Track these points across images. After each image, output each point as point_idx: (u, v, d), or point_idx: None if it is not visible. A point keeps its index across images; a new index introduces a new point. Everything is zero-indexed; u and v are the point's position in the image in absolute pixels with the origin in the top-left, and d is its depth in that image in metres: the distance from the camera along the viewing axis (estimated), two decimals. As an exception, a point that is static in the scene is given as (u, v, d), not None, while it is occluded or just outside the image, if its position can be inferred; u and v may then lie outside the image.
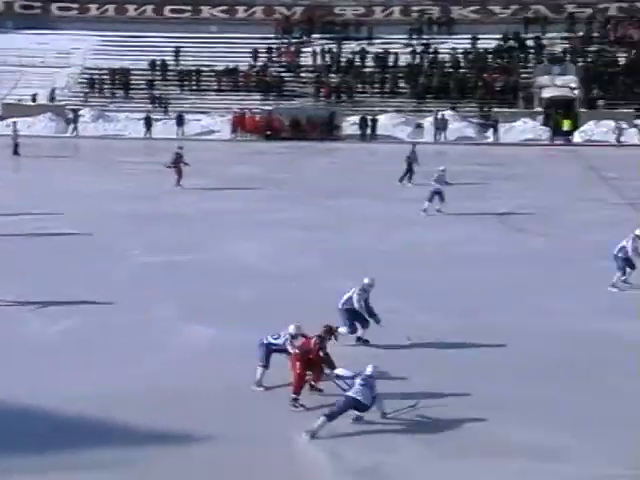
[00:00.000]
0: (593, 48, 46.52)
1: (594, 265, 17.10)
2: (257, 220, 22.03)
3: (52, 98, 45.11)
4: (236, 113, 42.31)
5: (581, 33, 47.42)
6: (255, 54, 48.08)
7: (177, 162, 26.61)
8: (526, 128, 41.22)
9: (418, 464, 9.39)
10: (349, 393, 9.99)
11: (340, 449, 9.67)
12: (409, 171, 27.83)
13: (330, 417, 9.87)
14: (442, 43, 48.34)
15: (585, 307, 14.65)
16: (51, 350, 12.61)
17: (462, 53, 46.91)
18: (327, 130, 41.61)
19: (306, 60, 48.21)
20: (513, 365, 12.02)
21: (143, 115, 42.61)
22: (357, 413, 10.07)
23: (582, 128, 40.67)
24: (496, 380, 11.42)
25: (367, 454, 9.55)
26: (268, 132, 41.62)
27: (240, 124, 41.93)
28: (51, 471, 9.18)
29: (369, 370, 10.14)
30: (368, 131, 40.93)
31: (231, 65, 47.10)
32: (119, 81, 46.88)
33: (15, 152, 34.46)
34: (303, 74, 47.31)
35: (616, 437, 9.84)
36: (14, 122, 36.99)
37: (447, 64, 46.41)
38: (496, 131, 40.56)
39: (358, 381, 10.04)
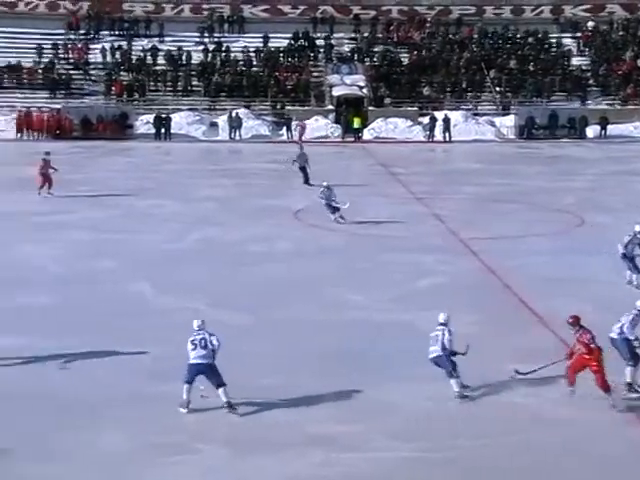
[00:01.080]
0: (378, 48, 48.44)
1: (384, 259, 17.84)
2: (50, 222, 21.16)
3: None
4: (21, 112, 40.32)
5: (366, 34, 49.24)
6: (40, 50, 46.04)
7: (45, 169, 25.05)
8: (318, 126, 42.23)
9: (220, 464, 9.38)
10: None
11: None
12: (305, 173, 27.28)
13: None
14: (234, 42, 48.56)
15: (378, 299, 15.21)
16: None
17: (254, 52, 47.33)
18: (120, 129, 40.63)
19: (95, 57, 46.80)
20: (308, 358, 12.26)
21: None
22: None
23: (371, 126, 42.23)
24: (292, 373, 11.60)
25: (169, 457, 9.44)
26: (57, 132, 40.03)
27: (26, 123, 40.01)
28: None
29: None
30: (162, 130, 40.38)
31: (13, 61, 44.82)
32: None
33: None
34: (93, 71, 45.89)
35: (407, 422, 10.32)
36: None
37: (240, 63, 46.66)
38: (289, 129, 41.27)
39: None
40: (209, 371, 10.33)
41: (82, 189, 26.34)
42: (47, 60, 45.84)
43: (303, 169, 27.40)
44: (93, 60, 46.69)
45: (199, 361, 10.30)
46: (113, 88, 44.31)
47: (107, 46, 47.07)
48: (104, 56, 46.55)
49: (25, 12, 49.46)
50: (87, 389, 11.11)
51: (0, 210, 22.59)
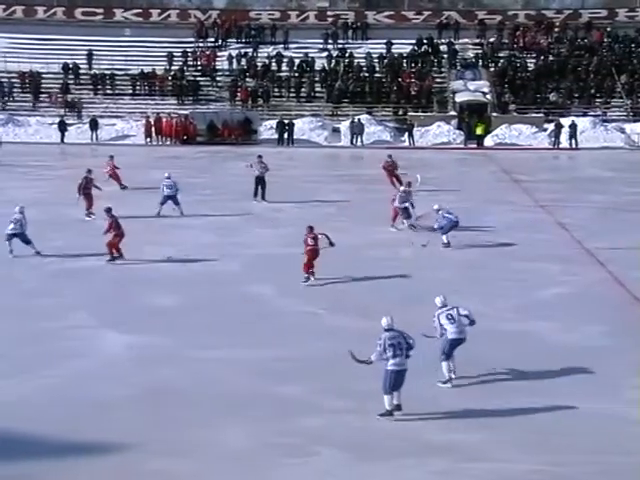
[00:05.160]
0: (504, 54, 47.63)
1: (506, 267, 17.50)
2: (172, 225, 21.81)
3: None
4: (149, 117, 41.76)
5: (492, 39, 48.51)
6: (170, 58, 47.59)
7: (87, 187, 23.22)
8: (441, 132, 41.86)
9: (338, 468, 9.41)
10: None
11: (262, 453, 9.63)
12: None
13: None
14: (357, 48, 48.79)
15: (500, 307, 14.93)
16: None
17: (377, 58, 47.38)
18: (244, 134, 41.46)
19: (222, 64, 47.98)
20: (433, 365, 12.16)
21: (55, 120, 41.84)
22: None
23: (494, 132, 41.53)
24: (419, 381, 11.53)
25: (288, 458, 9.53)
26: (185, 137, 41.24)
27: (156, 128, 41.40)
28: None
29: None
30: (285, 135, 40.97)
31: (146, 69, 46.53)
32: (29, 84, 45.82)
33: None
34: (219, 78, 47.07)
35: (529, 434, 10.07)
36: None
37: (363, 69, 46.83)
38: (411, 135, 41.10)
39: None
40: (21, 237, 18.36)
41: (205, 192, 27.03)
42: (177, 67, 47.34)
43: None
44: (220, 67, 47.89)
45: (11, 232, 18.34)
46: (238, 94, 45.31)
47: (233, 53, 48.20)
48: (230, 63, 47.67)
49: (158, 21, 51.32)
50: (208, 387, 11.36)
51: (128, 212, 23.36)
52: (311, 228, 16.99)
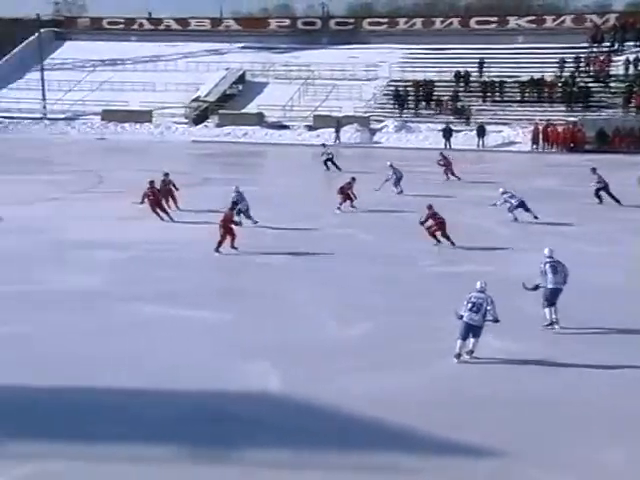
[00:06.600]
0: None
1: None
2: (550, 232, 21.43)
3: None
4: (537, 124, 41.37)
5: None
6: (562, 64, 46.74)
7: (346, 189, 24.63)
8: None
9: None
10: None
11: None
12: None
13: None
14: None
15: None
16: (345, 352, 12.99)
17: None
18: (637, 142, 39.27)
19: (617, 69, 45.99)
20: None
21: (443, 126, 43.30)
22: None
23: None
24: None
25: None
26: (572, 144, 40.21)
27: (544, 135, 40.93)
28: (314, 469, 9.40)
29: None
30: (683, 144, 38.13)
31: (536, 76, 46.21)
32: (423, 93, 47.89)
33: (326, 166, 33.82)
34: (612, 84, 45.17)
35: None
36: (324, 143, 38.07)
37: None
38: None
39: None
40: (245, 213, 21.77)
41: (587, 202, 26.15)
42: (568, 74, 46.34)
43: None
44: (614, 72, 45.96)
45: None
46: (633, 100, 43.07)
47: (631, 57, 45.93)
48: (626, 68, 45.51)
49: (552, 27, 50.77)
50: (594, 402, 10.98)
51: (510, 220, 23.41)
52: (431, 206, 20.08)
